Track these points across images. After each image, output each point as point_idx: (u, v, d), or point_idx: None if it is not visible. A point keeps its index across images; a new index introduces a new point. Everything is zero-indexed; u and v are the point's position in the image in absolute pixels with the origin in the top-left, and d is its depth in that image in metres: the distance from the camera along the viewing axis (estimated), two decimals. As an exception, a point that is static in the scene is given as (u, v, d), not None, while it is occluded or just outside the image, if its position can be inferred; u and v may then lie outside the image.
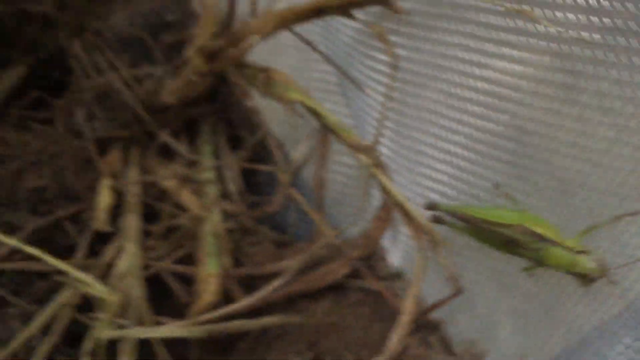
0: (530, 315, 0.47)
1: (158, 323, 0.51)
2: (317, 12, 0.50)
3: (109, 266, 0.55)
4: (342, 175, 0.62)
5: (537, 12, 0.38)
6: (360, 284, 0.56)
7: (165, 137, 0.65)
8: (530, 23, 0.39)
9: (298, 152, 0.56)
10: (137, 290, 0.54)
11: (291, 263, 0.53)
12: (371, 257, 0.58)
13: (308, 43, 0.54)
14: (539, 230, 0.41)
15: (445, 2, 0.45)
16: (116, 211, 0.60)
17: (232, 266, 0.57)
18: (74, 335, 0.51)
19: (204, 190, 0.64)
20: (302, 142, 0.57)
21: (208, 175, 0.65)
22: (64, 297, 0.50)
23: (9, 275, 0.53)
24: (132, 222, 0.59)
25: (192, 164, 0.66)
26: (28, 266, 0.52)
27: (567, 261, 0.39)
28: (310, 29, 0.63)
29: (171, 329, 0.49)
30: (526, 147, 0.43)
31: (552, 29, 0.37)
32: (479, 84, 0.45)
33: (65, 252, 0.57)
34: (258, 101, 0.67)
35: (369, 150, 0.49)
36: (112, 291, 0.52)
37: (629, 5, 0.34)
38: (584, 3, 0.36)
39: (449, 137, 0.47)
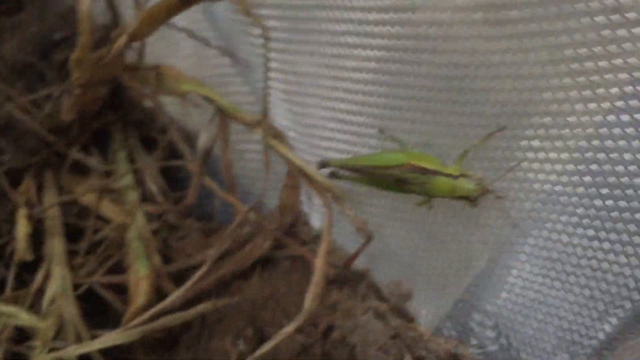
0: (441, 245, 0.50)
1: (95, 336, 0.52)
2: (184, 2, 0.51)
3: (39, 292, 0.56)
4: (255, 153, 0.63)
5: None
6: (286, 253, 0.58)
7: (75, 154, 0.65)
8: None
9: (200, 141, 0.57)
10: (70, 311, 0.54)
11: (212, 250, 0.54)
12: (294, 224, 0.60)
13: (184, 31, 0.54)
14: (422, 164, 0.42)
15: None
16: (40, 237, 0.61)
17: (162, 264, 0.58)
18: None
19: (124, 197, 0.64)
20: (202, 129, 0.58)
21: (126, 181, 0.65)
22: (-4, 331, 0.51)
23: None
24: (56, 245, 0.60)
25: (109, 173, 0.66)
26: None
27: (449, 187, 0.41)
28: (196, 17, 0.63)
29: (106, 339, 0.50)
30: (400, 88, 0.45)
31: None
32: (350, 39, 0.47)
33: (-5, 287, 0.57)
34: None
35: (262, 124, 0.50)
36: (43, 317, 0.52)
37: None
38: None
39: (332, 95, 0.49)
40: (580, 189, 0.40)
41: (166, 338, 0.56)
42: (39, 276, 0.58)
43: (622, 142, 0.37)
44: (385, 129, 0.46)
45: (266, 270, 0.58)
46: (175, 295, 0.51)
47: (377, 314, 0.50)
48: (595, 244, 0.41)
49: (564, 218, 0.42)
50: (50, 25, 0.72)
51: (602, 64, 0.35)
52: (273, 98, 0.53)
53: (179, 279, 0.58)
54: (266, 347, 0.51)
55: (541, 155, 0.40)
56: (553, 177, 0.41)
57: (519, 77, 0.38)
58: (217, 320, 0.56)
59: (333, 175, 0.47)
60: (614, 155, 0.37)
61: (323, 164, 0.47)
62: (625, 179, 0.37)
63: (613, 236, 0.40)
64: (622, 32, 0.34)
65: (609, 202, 0.39)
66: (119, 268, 0.59)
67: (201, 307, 0.52)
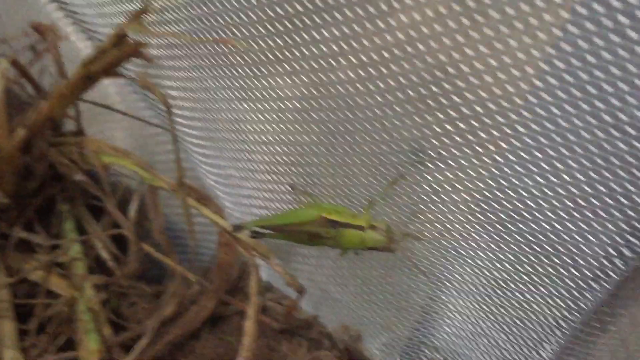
0: (377, 288, 0.49)
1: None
2: (88, 81, 0.51)
3: (-9, 379, 0.55)
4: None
5: None
6: (235, 309, 0.57)
7: (18, 233, 0.64)
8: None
9: (130, 210, 0.57)
10: (22, 394, 0.54)
11: (153, 319, 0.54)
12: (241, 278, 0.59)
13: (102, 106, 0.54)
14: (334, 217, 0.42)
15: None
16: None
17: (112, 335, 0.58)
18: None
19: (72, 269, 0.64)
20: (132, 198, 0.57)
21: (74, 252, 0.65)
22: None
23: None
24: (6, 328, 0.59)
25: (56, 246, 0.66)
26: None
27: (359, 239, 0.40)
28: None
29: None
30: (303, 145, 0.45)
31: None
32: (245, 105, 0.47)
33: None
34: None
35: (178, 190, 0.50)
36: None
37: None
38: None
39: (240, 157, 0.49)
40: (491, 227, 0.39)
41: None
42: (-9, 363, 0.57)
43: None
44: (297, 184, 0.46)
45: (218, 327, 0.58)
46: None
47: (324, 364, 0.50)
48: (516, 277, 0.41)
49: (480, 254, 0.41)
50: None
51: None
52: (195, 160, 0.53)
53: (132, 347, 0.58)
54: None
55: (449, 197, 0.40)
56: (463, 219, 0.40)
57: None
58: (173, 386, 0.56)
59: (255, 234, 0.47)
60: (514, 195, 0.37)
61: (237, 228, 0.46)
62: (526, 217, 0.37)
63: (530, 269, 0.40)
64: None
65: (518, 242, 0.39)
66: (71, 343, 0.59)
67: (151, 377, 0.52)
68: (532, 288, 0.40)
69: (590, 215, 0.36)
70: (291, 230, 0.44)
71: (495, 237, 0.39)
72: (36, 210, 0.67)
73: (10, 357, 0.56)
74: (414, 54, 0.35)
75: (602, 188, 0.34)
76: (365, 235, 0.40)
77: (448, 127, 0.37)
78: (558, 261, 0.39)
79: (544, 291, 0.40)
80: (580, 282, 0.39)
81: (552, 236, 0.37)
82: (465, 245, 0.41)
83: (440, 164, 0.38)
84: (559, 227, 0.37)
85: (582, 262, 0.38)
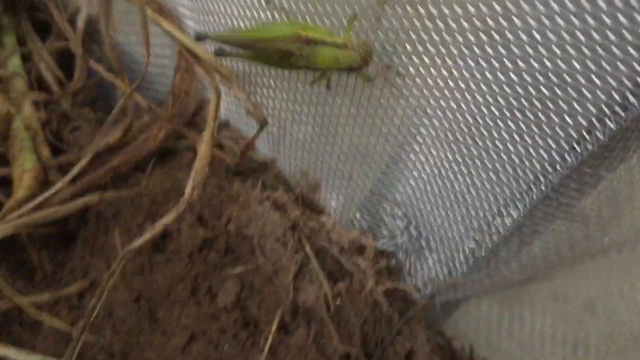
0: (344, 131, 0.45)
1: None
2: None
3: None
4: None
5: None
6: (188, 144, 0.53)
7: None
8: None
9: (79, 18, 0.50)
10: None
11: (99, 140, 0.49)
12: (196, 113, 0.55)
13: None
14: (309, 34, 0.37)
15: None
16: None
17: (51, 157, 0.53)
18: None
19: (10, 85, 0.58)
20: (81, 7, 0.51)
21: (13, 66, 0.59)
22: None
23: None
24: None
25: (-5, 61, 0.59)
26: None
27: (332, 59, 0.36)
28: None
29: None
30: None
31: None
32: None
33: None
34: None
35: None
36: None
37: None
38: None
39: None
40: (482, 67, 0.35)
41: (61, 234, 0.52)
42: None
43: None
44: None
45: (167, 162, 0.54)
46: (59, 187, 0.47)
47: (276, 205, 0.47)
48: (499, 129, 0.37)
49: (462, 104, 0.37)
50: None
51: None
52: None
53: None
54: (167, 241, 0.48)
55: (440, 28, 0.35)
56: (454, 54, 0.36)
57: None
58: (113, 215, 0.52)
59: (219, 52, 0.42)
60: (510, 37, 0.33)
61: (200, 37, 0.41)
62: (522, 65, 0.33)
63: (516, 122, 0.36)
64: None
65: (511, 85, 0.35)
66: (3, 160, 0.54)
67: (87, 199, 0.48)
68: (510, 144, 0.37)
69: (591, 65, 0.32)
70: (261, 47, 0.39)
71: (480, 80, 0.35)
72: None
73: None
74: None
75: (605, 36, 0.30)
76: (340, 53, 0.36)
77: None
78: (548, 113, 0.36)
79: (521, 148, 0.37)
80: (561, 141, 0.36)
81: (552, 79, 0.33)
82: (446, 90, 0.37)
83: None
84: (559, 69, 0.33)
85: (569, 121, 0.35)
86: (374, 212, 0.50)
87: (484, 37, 0.34)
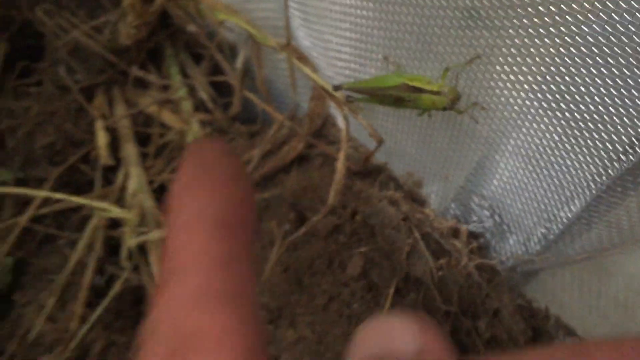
0: (441, 145, 0.60)
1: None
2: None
3: (122, 189, 0.70)
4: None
5: None
6: (318, 151, 0.69)
7: (135, 72, 0.76)
8: None
9: (238, 62, 0.67)
10: (148, 203, 0.68)
11: (256, 151, 0.66)
12: (323, 127, 0.70)
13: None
14: (414, 84, 0.51)
15: None
16: (116, 144, 0.74)
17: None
18: (113, 248, 0.67)
19: (180, 107, 0.76)
20: (240, 51, 0.67)
21: (181, 92, 0.77)
22: (94, 223, 0.65)
23: (49, 217, 0.69)
24: (130, 150, 0.73)
25: (165, 87, 0.77)
26: (61, 207, 0.67)
27: (432, 102, 0.50)
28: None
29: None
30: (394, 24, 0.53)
31: None
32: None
33: (87, 187, 0.71)
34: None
35: (286, 49, 0.59)
36: (128, 209, 0.66)
37: None
38: None
39: (341, 26, 0.57)
40: (544, 103, 0.49)
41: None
42: (120, 176, 0.71)
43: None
44: (388, 55, 0.55)
45: (302, 165, 0.70)
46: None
47: (391, 201, 0.62)
48: (559, 145, 0.50)
49: (534, 125, 0.51)
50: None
51: None
52: (295, 23, 0.61)
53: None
54: (307, 226, 0.65)
55: (512, 69, 0.49)
56: (523, 91, 0.49)
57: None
58: (265, 207, 0.69)
59: (348, 97, 0.57)
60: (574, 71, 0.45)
61: (336, 88, 0.56)
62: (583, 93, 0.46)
63: (573, 140, 0.49)
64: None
65: (568, 114, 0.48)
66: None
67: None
68: (572, 153, 0.50)
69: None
70: (379, 94, 0.53)
71: (551, 106, 0.48)
72: (148, 54, 0.78)
73: (136, 173, 0.70)
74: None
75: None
76: (436, 98, 0.50)
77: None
78: (597, 134, 0.48)
79: (581, 157, 0.50)
80: (611, 153, 0.48)
81: (601, 107, 0.46)
82: (523, 116, 0.51)
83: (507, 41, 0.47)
84: (608, 100, 0.45)
85: (615, 137, 0.47)
86: (465, 204, 0.65)
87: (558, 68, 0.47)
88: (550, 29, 0.44)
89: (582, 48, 0.44)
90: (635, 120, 0.44)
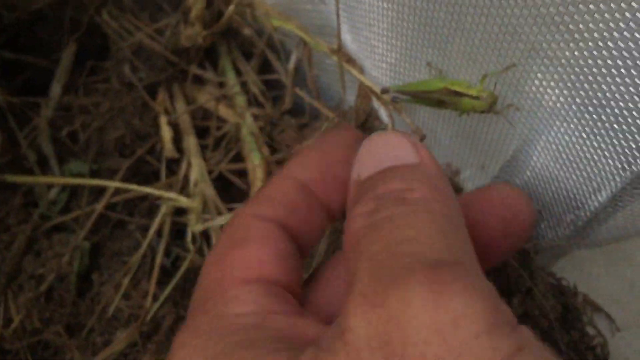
0: (478, 141, 0.66)
1: (230, 209, 0.74)
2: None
3: (185, 179, 0.77)
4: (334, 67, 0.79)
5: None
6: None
7: (194, 70, 0.83)
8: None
9: (290, 63, 0.73)
10: (209, 191, 0.76)
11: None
12: (368, 119, 0.77)
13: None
14: (455, 88, 0.57)
15: None
16: (178, 137, 0.81)
17: (270, 154, 0.78)
18: (179, 233, 0.75)
19: (235, 101, 0.83)
20: (291, 52, 0.74)
21: (235, 88, 0.83)
22: (163, 210, 0.73)
23: (121, 205, 0.77)
24: (191, 142, 0.80)
25: (221, 84, 0.84)
26: (131, 195, 0.75)
27: (471, 105, 0.56)
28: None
29: (239, 212, 0.71)
30: (437, 35, 0.59)
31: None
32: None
33: (152, 177, 0.79)
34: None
35: (337, 53, 0.66)
36: (192, 198, 0.74)
37: None
38: None
39: (389, 34, 0.63)
40: (574, 105, 0.54)
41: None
42: (183, 166, 0.79)
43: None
44: (431, 62, 0.61)
45: (348, 156, 0.77)
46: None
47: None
48: (587, 142, 0.56)
49: (564, 124, 0.56)
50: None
51: None
52: (343, 28, 0.67)
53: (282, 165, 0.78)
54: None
55: (545, 76, 0.54)
56: (554, 95, 0.55)
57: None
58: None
59: (394, 98, 0.63)
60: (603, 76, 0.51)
61: (384, 90, 0.62)
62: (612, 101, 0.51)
63: (599, 138, 0.55)
64: None
65: (595, 115, 0.53)
66: (239, 157, 0.80)
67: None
68: (599, 150, 0.55)
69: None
70: (423, 97, 0.59)
71: (580, 108, 0.54)
72: (205, 53, 0.85)
73: (197, 163, 0.77)
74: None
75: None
76: (476, 102, 0.56)
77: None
78: (622, 133, 0.54)
79: (607, 153, 0.55)
80: (635, 151, 0.53)
81: (625, 111, 0.51)
82: (554, 116, 0.56)
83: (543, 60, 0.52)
84: (631, 104, 0.50)
85: (637, 137, 0.52)
86: (499, 190, 0.70)
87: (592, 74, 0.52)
88: (580, 43, 0.50)
89: (613, 52, 0.49)
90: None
